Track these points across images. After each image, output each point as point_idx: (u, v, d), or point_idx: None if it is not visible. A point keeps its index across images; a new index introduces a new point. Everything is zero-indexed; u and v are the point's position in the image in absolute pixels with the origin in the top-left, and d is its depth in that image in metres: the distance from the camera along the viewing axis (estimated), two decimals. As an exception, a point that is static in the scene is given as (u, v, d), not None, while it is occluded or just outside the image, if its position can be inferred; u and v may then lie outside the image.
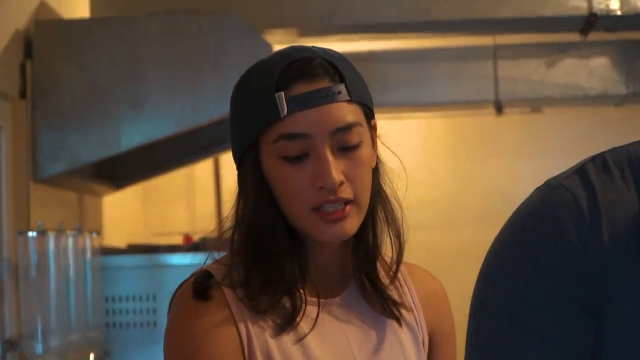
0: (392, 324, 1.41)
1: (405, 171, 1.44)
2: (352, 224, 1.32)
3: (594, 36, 3.63)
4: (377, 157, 1.41)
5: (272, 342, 1.30)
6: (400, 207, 1.44)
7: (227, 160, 4.72)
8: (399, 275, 1.45)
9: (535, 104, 4.18)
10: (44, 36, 3.16)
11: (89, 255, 2.96)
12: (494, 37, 4.01)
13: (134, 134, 3.08)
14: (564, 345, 1.00)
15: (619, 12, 3.31)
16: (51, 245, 2.83)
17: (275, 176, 1.32)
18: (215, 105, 3.13)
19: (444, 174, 5.09)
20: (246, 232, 1.36)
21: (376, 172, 1.40)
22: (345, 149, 1.30)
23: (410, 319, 1.44)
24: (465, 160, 4.84)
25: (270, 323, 1.31)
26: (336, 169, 1.28)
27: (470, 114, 4.31)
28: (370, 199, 1.38)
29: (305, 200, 1.30)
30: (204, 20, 3.15)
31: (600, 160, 1.06)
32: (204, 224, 4.47)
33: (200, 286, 1.33)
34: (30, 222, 2.97)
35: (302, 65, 1.33)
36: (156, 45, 3.15)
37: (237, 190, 1.39)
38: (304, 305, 1.33)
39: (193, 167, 4.82)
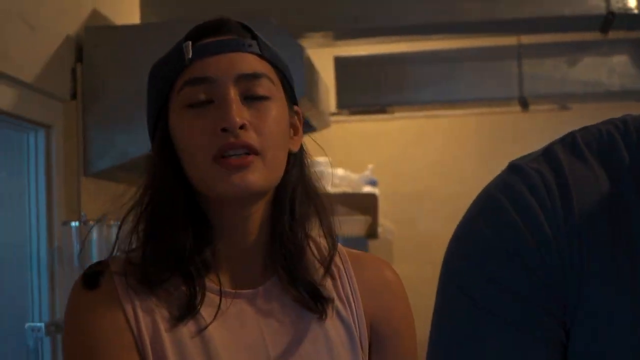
0: (324, 324, 1.32)
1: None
2: (256, 177, 1.23)
3: (613, 35, 3.58)
4: (303, 147, 1.37)
5: (165, 336, 1.22)
6: (331, 205, 1.37)
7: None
8: (340, 266, 1.39)
9: (558, 100, 4.16)
10: (94, 41, 3.18)
11: (134, 244, 3.01)
12: (517, 37, 4.00)
13: None
14: (532, 329, 0.94)
15: (635, 11, 3.28)
16: (94, 234, 2.85)
17: (179, 128, 1.27)
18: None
19: (473, 169, 4.99)
20: (146, 205, 1.29)
21: (299, 159, 1.36)
22: (252, 98, 1.25)
23: (345, 313, 1.35)
24: (494, 156, 4.71)
25: (166, 314, 1.24)
26: (239, 112, 1.22)
27: (499, 112, 4.35)
28: (290, 184, 1.32)
29: (207, 148, 1.22)
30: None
31: (569, 140, 1.01)
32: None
33: (90, 274, 1.27)
34: (80, 213, 2.99)
35: (214, 23, 1.32)
36: None
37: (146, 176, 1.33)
38: (202, 292, 1.25)
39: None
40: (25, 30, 2.79)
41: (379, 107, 4.34)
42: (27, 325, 2.77)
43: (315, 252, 1.36)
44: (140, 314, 1.22)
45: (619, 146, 0.97)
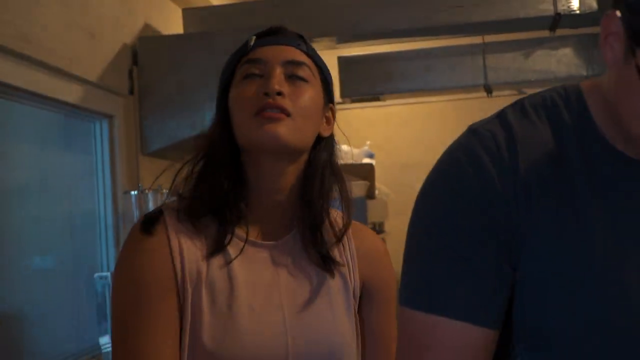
0: (325, 275, 1.31)
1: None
2: (284, 130, 1.23)
3: (560, 32, 3.60)
4: (333, 136, 1.38)
5: (201, 263, 1.21)
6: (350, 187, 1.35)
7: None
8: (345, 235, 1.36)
9: (516, 86, 4.17)
10: (146, 48, 3.25)
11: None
12: (482, 36, 4.03)
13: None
14: (490, 268, 0.91)
15: (578, 12, 3.30)
16: (150, 201, 2.93)
17: (234, 93, 1.29)
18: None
19: (449, 142, 4.92)
20: (201, 157, 1.30)
21: (330, 144, 1.37)
22: (294, 77, 1.27)
23: (345, 271, 1.33)
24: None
25: (203, 246, 1.23)
26: (279, 82, 1.25)
27: (469, 97, 4.36)
28: (317, 157, 1.33)
29: (250, 106, 1.24)
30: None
31: (519, 105, 0.98)
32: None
33: (147, 221, 1.25)
34: (138, 184, 3.05)
35: (275, 27, 1.36)
36: (229, 52, 3.22)
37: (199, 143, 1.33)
38: (231, 235, 1.24)
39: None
40: (91, 40, 2.85)
41: (374, 96, 4.39)
42: (96, 275, 2.83)
43: (332, 222, 1.34)
44: (184, 245, 1.22)
45: (561, 109, 0.95)
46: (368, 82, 4.27)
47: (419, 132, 5.36)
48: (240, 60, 1.31)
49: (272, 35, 1.34)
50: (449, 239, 0.92)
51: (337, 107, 4.48)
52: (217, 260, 1.22)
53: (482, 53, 4.11)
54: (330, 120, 1.38)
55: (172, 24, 3.75)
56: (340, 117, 4.23)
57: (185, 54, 3.26)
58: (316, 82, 1.32)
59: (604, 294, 0.88)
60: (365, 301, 1.36)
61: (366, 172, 3.71)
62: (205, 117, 3.14)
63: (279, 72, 1.26)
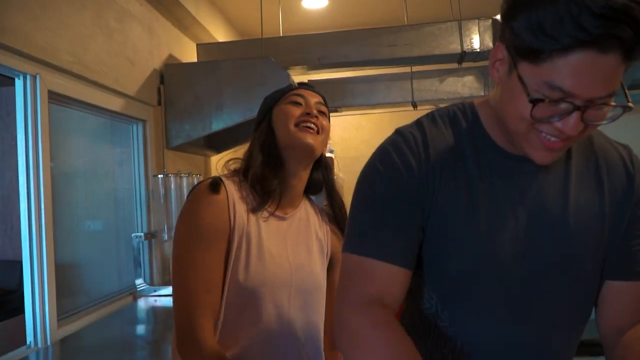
0: (313, 236, 1.34)
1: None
2: (317, 142, 1.26)
3: (465, 64, 3.63)
4: (326, 156, 1.38)
5: (244, 219, 1.20)
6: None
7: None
8: (324, 217, 1.39)
9: (434, 103, 4.13)
10: (170, 72, 3.22)
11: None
12: (410, 67, 4.02)
13: (218, 123, 3.13)
14: (406, 226, 0.90)
15: (478, 50, 3.34)
16: (172, 182, 2.93)
17: (281, 111, 1.28)
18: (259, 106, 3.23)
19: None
20: (258, 154, 1.28)
21: (325, 160, 1.38)
22: (320, 112, 1.30)
23: (323, 238, 1.37)
24: None
25: (247, 208, 1.22)
26: (315, 109, 1.29)
27: (400, 110, 4.32)
28: (323, 162, 1.36)
29: (293, 119, 1.26)
30: (254, 62, 3.18)
31: (431, 115, 0.98)
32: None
33: (214, 183, 1.20)
34: (163, 170, 3.04)
35: (304, 83, 1.39)
36: (230, 75, 3.18)
37: (252, 140, 1.31)
38: (265, 204, 1.24)
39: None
40: (130, 65, 2.83)
41: (334, 109, 4.26)
42: (133, 234, 2.86)
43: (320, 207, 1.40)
44: (237, 204, 1.20)
45: (460, 118, 0.95)
46: (329, 98, 4.17)
47: (365, 134, 5.36)
48: (286, 93, 1.32)
49: (307, 85, 1.37)
50: (378, 203, 0.91)
51: None
52: (253, 220, 1.22)
53: (410, 79, 4.12)
54: (326, 145, 1.40)
55: (189, 55, 3.74)
56: None
57: (198, 77, 3.24)
58: (327, 116, 1.36)
59: (481, 250, 0.88)
60: (331, 263, 1.39)
61: (328, 163, 3.56)
62: (212, 122, 3.17)
63: (312, 102, 1.30)
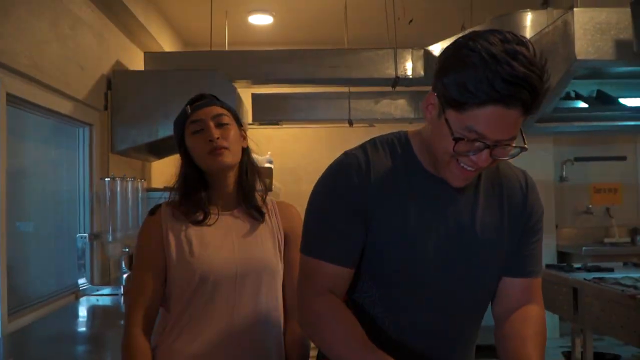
0: (258, 224, 1.41)
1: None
2: (229, 158, 1.36)
3: (398, 88, 3.82)
4: (248, 145, 1.45)
5: (182, 230, 1.35)
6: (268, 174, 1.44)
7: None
8: (271, 208, 1.46)
9: (368, 122, 4.31)
10: (118, 78, 3.28)
11: (140, 191, 3.06)
12: (348, 87, 4.17)
13: (165, 130, 3.21)
14: (351, 234, 1.05)
15: (411, 76, 3.54)
16: (118, 186, 2.92)
17: (190, 144, 1.39)
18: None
19: (323, 155, 4.99)
20: (181, 179, 1.41)
21: (247, 150, 1.44)
22: (220, 125, 1.37)
23: (272, 225, 1.44)
24: (334, 150, 5.00)
25: (187, 223, 1.36)
26: (215, 132, 1.36)
27: (337, 127, 4.47)
28: (243, 161, 1.42)
29: (204, 150, 1.36)
30: (201, 74, 3.29)
31: (373, 141, 1.11)
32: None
33: (153, 209, 1.40)
34: (109, 173, 3.08)
35: (198, 95, 1.44)
36: (176, 85, 3.27)
37: (180, 167, 1.43)
38: (208, 212, 1.37)
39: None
40: (81, 70, 2.88)
41: (275, 121, 4.40)
42: (77, 235, 2.87)
43: (258, 192, 1.46)
44: (170, 228, 1.36)
45: (396, 145, 1.09)
46: (272, 112, 4.33)
47: (303, 147, 5.39)
48: (185, 121, 1.40)
49: (199, 100, 1.42)
50: (327, 213, 1.06)
51: (249, 127, 4.49)
52: (194, 226, 1.37)
53: (348, 98, 4.22)
54: (245, 136, 1.47)
55: (136, 62, 3.78)
56: (251, 134, 4.29)
57: (145, 84, 3.31)
58: (232, 122, 1.41)
59: (407, 254, 1.05)
60: (286, 242, 1.45)
61: (267, 173, 3.63)
62: (158, 128, 3.25)
63: (211, 124, 1.37)
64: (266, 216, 1.44)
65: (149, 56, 3.78)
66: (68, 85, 2.73)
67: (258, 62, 3.68)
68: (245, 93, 4.29)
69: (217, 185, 1.41)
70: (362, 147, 1.10)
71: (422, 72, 3.64)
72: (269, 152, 3.91)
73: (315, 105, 4.34)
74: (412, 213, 1.04)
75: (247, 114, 4.15)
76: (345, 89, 4.28)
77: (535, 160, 4.37)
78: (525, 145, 0.97)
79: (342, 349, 0.97)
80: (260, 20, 4.20)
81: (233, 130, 1.40)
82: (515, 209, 1.10)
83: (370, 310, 1.09)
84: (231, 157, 1.38)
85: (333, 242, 1.04)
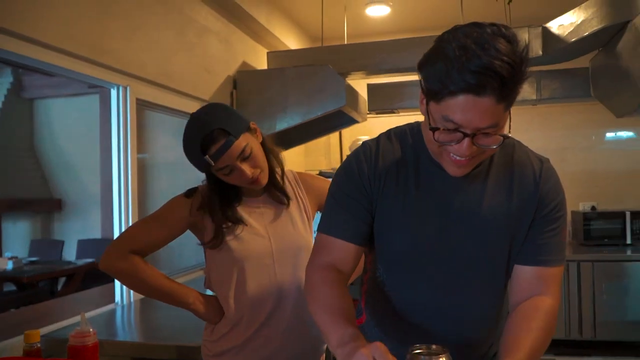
0: (285, 206, 1.47)
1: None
2: (264, 180, 1.42)
3: None
4: (263, 137, 1.44)
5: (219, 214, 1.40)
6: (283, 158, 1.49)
7: (345, 133, 4.84)
8: (292, 176, 1.53)
9: None
10: (242, 78, 3.53)
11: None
12: None
13: (282, 123, 3.42)
14: (357, 213, 1.11)
15: (529, 56, 3.39)
16: None
17: (226, 180, 1.40)
18: (319, 109, 3.42)
19: None
20: (212, 184, 1.42)
21: (265, 144, 1.45)
22: (246, 158, 1.37)
23: (300, 202, 1.50)
24: None
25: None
26: (248, 169, 1.37)
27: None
28: (268, 159, 1.44)
29: (242, 184, 1.40)
30: (314, 69, 3.43)
31: (387, 132, 1.15)
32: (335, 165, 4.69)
33: (190, 191, 1.45)
34: None
35: (209, 136, 1.34)
36: (294, 81, 3.44)
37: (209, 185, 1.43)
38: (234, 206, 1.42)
39: (329, 136, 4.83)
40: (207, 74, 3.15)
41: (391, 110, 4.32)
42: None
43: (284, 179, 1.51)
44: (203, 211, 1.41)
45: (407, 135, 1.13)
46: (388, 100, 4.32)
47: None
48: (210, 168, 1.38)
49: (211, 143, 1.35)
50: (338, 196, 1.13)
51: (368, 116, 4.30)
52: (239, 213, 1.44)
53: None
54: (258, 133, 1.45)
55: (262, 61, 4.02)
56: (367, 123, 4.25)
57: (267, 82, 3.51)
58: (247, 139, 1.38)
59: (409, 238, 1.10)
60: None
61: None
62: (277, 121, 3.47)
63: (241, 166, 1.37)
64: (290, 191, 1.50)
65: (272, 55, 4.01)
66: (195, 88, 3.02)
67: (371, 54, 3.73)
68: (362, 83, 4.38)
69: (245, 189, 1.47)
70: (378, 137, 1.16)
71: (540, 52, 3.44)
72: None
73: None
74: (416, 199, 1.09)
75: (365, 104, 4.20)
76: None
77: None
78: (509, 134, 0.98)
79: (320, 318, 1.02)
80: (378, 11, 4.26)
81: (255, 149, 1.39)
82: (525, 196, 1.10)
83: (383, 289, 1.16)
84: (265, 174, 1.42)
85: (339, 219, 1.11)
